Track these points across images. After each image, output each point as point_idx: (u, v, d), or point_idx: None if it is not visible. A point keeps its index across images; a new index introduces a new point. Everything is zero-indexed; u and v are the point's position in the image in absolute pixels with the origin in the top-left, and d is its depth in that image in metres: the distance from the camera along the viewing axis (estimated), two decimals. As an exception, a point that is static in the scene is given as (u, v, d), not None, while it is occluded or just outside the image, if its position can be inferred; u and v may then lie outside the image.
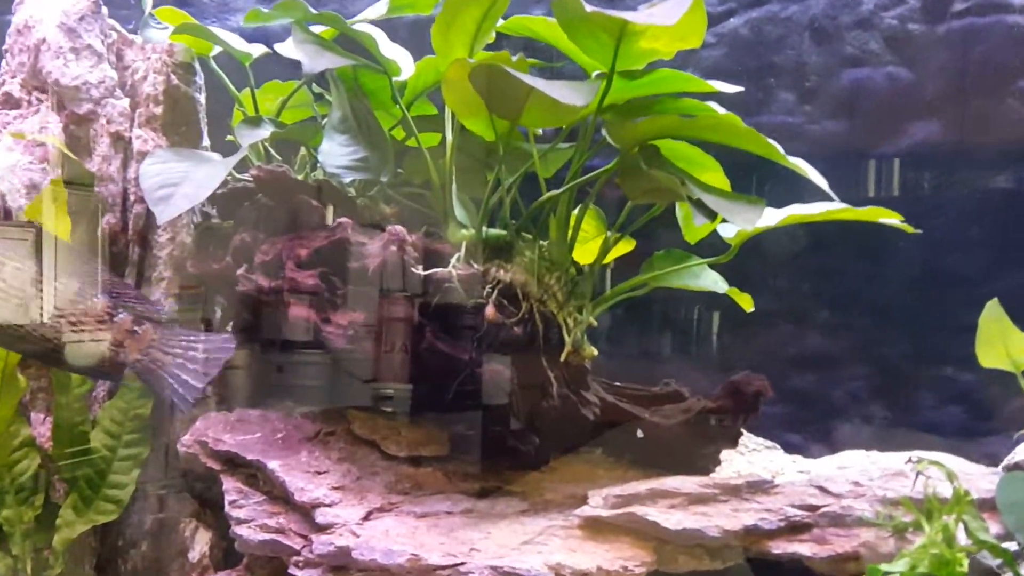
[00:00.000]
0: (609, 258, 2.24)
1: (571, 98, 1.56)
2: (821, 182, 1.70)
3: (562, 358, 1.87)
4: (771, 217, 1.79)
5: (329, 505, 1.90)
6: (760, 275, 2.57)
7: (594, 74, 1.93)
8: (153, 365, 1.94)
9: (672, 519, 1.74)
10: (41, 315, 1.91)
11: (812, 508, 1.77)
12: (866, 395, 2.57)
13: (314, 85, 2.39)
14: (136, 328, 1.95)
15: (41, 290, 1.93)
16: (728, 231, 1.92)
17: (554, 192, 1.90)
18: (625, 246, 2.26)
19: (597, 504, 1.82)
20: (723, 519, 1.75)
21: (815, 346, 2.60)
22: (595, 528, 1.81)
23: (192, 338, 1.99)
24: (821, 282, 2.62)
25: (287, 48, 2.27)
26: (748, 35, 2.72)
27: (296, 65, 2.42)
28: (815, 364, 2.59)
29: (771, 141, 1.63)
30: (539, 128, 2.03)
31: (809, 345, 2.60)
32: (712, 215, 1.60)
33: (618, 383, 2.10)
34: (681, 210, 2.25)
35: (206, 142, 2.32)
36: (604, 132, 1.83)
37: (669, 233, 2.28)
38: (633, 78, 1.84)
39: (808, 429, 2.57)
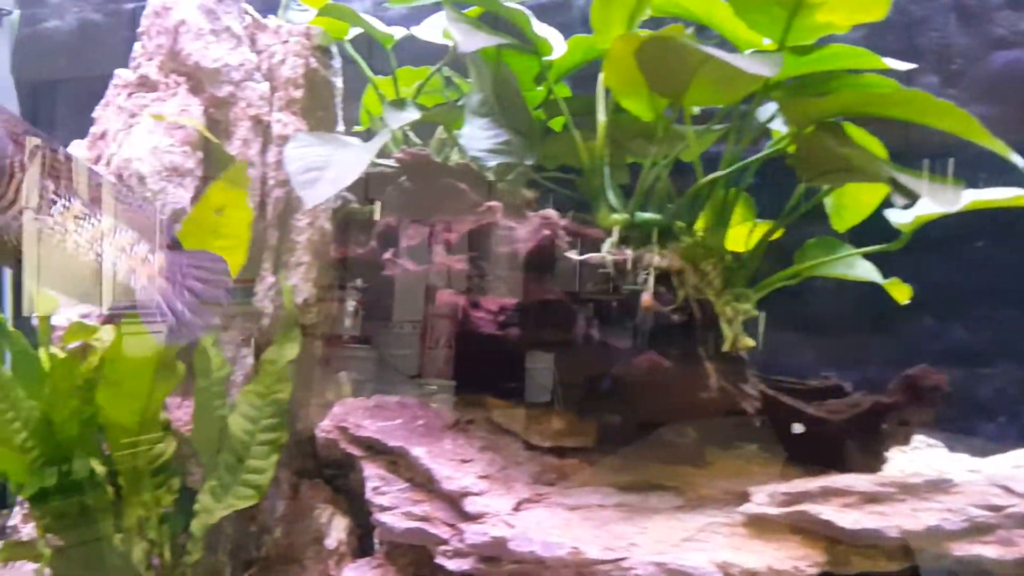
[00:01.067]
0: (751, 245, 2.14)
1: (757, 68, 1.48)
2: (1021, 163, 1.59)
3: (726, 348, 1.78)
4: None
5: (478, 494, 1.85)
6: (905, 265, 2.44)
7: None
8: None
9: (848, 518, 1.64)
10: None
11: (996, 508, 1.64)
12: (1016, 393, 2.43)
13: (444, 69, 2.34)
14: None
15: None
16: (902, 217, 1.81)
17: (716, 174, 1.82)
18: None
19: (762, 501, 1.72)
20: (902, 519, 1.64)
21: (961, 341, 2.46)
22: (760, 526, 1.71)
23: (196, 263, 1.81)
24: (968, 273, 2.48)
25: (424, 31, 2.23)
26: (891, 16, 2.59)
27: (425, 49, 2.41)
28: (960, 360, 2.45)
29: (972, 116, 1.52)
30: (701, 107, 1.94)
31: (954, 340, 2.46)
32: (912, 197, 1.50)
33: (769, 376, 2.00)
34: (832, 197, 2.15)
35: (340, 127, 2.29)
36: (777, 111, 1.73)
37: (810, 221, 2.18)
38: (803, 54, 1.74)
39: (953, 428, 2.43)
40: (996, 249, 2.48)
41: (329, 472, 2.28)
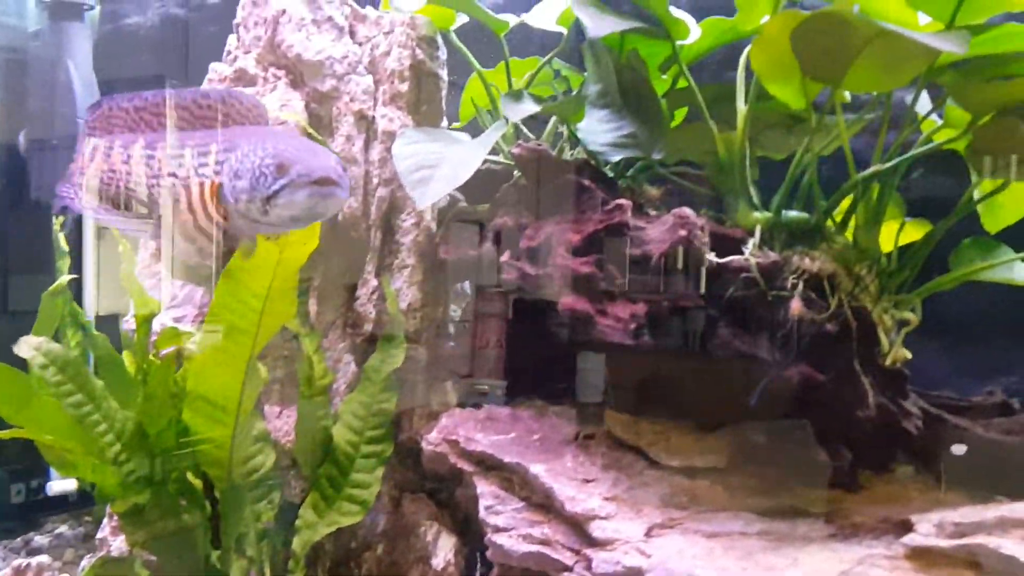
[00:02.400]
0: (900, 245, 1.96)
1: (943, 44, 1.31)
2: None
3: (887, 361, 1.61)
4: None
5: (605, 518, 1.71)
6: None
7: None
8: None
9: (1035, 554, 1.46)
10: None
11: None
12: None
13: (555, 61, 2.21)
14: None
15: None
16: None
17: (876, 168, 1.65)
18: (916, 231, 1.97)
19: (928, 532, 1.55)
20: (1099, 557, 1.46)
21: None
22: (927, 560, 1.54)
23: None
24: None
25: (536, 18, 2.09)
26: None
27: (527, 39, 2.28)
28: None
29: None
30: (863, 92, 1.77)
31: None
32: None
33: (926, 391, 1.82)
34: (982, 190, 1.96)
35: (444, 122, 2.17)
36: (949, 96, 1.56)
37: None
38: (976, 34, 1.56)
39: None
40: None
41: (431, 486, 2.17)
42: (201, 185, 1.51)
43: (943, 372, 2.46)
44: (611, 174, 2.00)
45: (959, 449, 1.74)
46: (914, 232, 1.98)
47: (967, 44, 1.35)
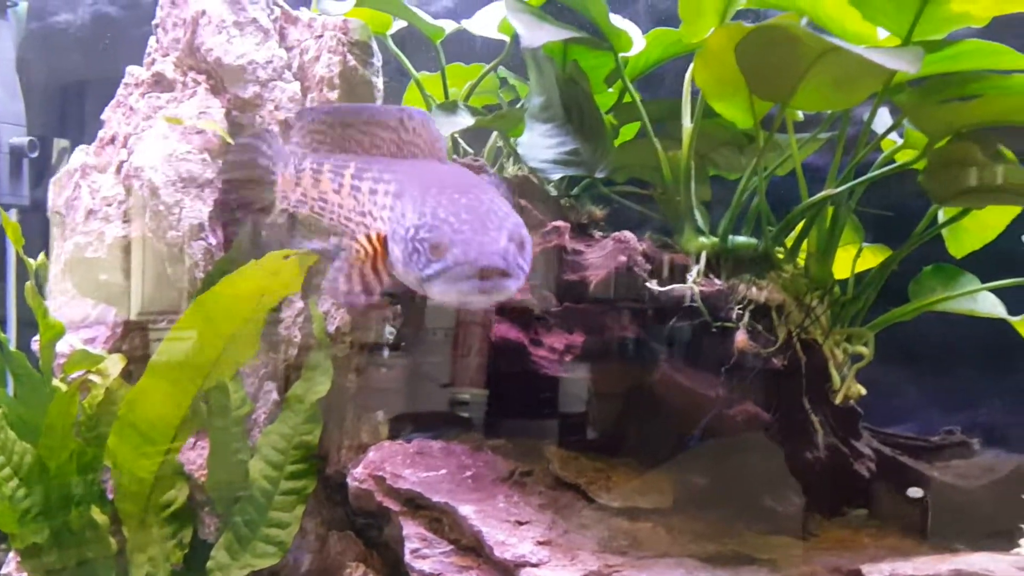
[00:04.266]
0: (856, 272, 1.90)
1: (895, 62, 1.25)
2: None
3: (837, 399, 1.54)
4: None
5: (536, 565, 1.63)
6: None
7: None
8: None
9: (991, 612, 1.40)
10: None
11: None
12: None
13: (500, 68, 2.13)
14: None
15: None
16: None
17: (829, 191, 1.59)
18: (876, 257, 1.92)
19: (879, 584, 1.49)
20: (1056, 614, 1.40)
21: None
22: (877, 614, 1.48)
23: None
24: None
25: (477, 25, 2.02)
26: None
27: (472, 46, 2.21)
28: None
29: None
30: (812, 111, 1.71)
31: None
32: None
33: (881, 429, 1.76)
34: (946, 214, 1.91)
35: (379, 131, 2.08)
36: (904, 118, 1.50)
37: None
38: (934, 50, 1.51)
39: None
40: None
41: (362, 522, 2.07)
42: (368, 236, 1.34)
43: (909, 404, 2.41)
44: (555, 192, 1.93)
45: (915, 493, 1.67)
46: (873, 258, 1.93)
47: (919, 62, 1.29)
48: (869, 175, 1.58)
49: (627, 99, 1.88)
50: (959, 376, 2.36)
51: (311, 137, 1.50)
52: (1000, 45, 1.54)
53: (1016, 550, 1.64)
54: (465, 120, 1.72)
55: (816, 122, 1.80)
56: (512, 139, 1.89)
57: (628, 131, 2.07)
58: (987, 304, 1.83)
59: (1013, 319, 1.81)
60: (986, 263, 1.94)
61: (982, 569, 1.48)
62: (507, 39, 1.98)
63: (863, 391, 1.65)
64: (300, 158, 1.52)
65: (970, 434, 1.90)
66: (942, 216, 1.92)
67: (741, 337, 1.57)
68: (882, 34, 1.64)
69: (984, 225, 1.86)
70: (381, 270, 1.34)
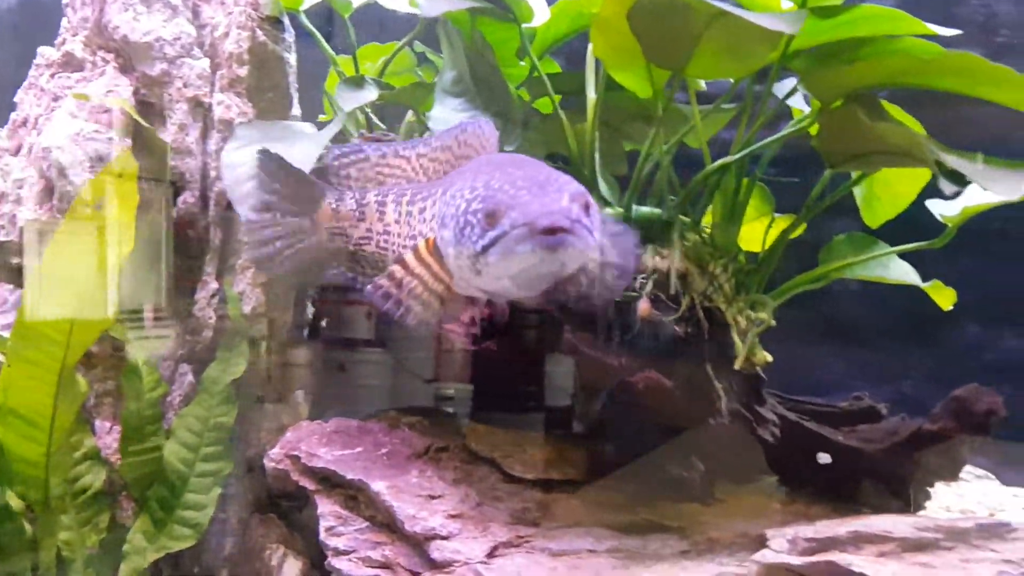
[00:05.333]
0: (767, 243, 1.94)
1: (775, 24, 1.28)
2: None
3: (737, 365, 1.58)
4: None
5: (446, 537, 1.66)
6: (943, 265, 2.24)
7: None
8: None
9: (884, 571, 1.44)
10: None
11: (1065, 559, 1.45)
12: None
13: (417, 44, 2.15)
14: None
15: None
16: (946, 209, 1.61)
17: (725, 160, 1.61)
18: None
19: (781, 548, 1.52)
20: (950, 572, 1.44)
21: (1015, 351, 2.25)
22: (779, 578, 1.52)
23: None
24: (1017, 275, 2.27)
25: (391, -1, 2.03)
26: (927, -20, 2.39)
27: (397, 23, 2.21)
28: (1014, 373, 2.24)
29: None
30: (708, 79, 1.74)
31: (1007, 350, 2.26)
32: (963, 183, 1.30)
33: (791, 396, 1.79)
34: (863, 187, 1.95)
35: (296, 110, 2.09)
36: (798, 84, 1.53)
37: (836, 214, 1.98)
38: (828, 16, 1.54)
39: (1005, 452, 2.22)
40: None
41: (286, 504, 2.09)
42: (416, 247, 1.26)
43: (838, 375, 2.47)
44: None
45: (824, 458, 1.71)
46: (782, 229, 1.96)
47: (799, 24, 1.32)
48: (763, 142, 1.60)
49: (549, 70, 1.90)
50: (886, 348, 2.41)
51: (374, 172, 1.44)
52: (897, 10, 1.57)
53: (921, 512, 1.69)
54: (369, 94, 1.73)
55: (730, 92, 1.82)
56: (423, 114, 1.90)
57: (546, 105, 2.09)
58: (899, 271, 1.86)
59: (924, 284, 1.85)
60: (905, 234, 1.98)
61: (880, 530, 1.52)
62: (419, 12, 1.99)
63: (769, 358, 1.68)
64: (361, 192, 1.42)
65: (896, 405, 1.94)
66: (859, 190, 1.96)
67: (644, 305, 1.60)
68: (786, 4, 1.67)
69: (896, 194, 1.90)
70: (442, 275, 1.25)
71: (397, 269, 1.29)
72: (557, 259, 1.08)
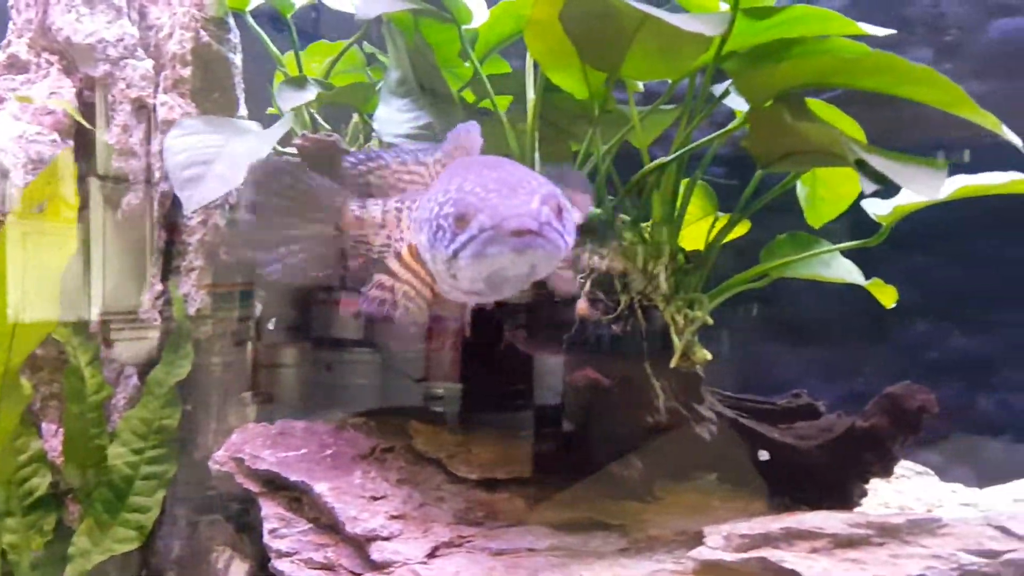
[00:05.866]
0: (706, 240, 1.96)
1: (698, 26, 1.30)
2: (1016, 140, 1.41)
3: (672, 363, 1.60)
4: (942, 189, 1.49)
5: (387, 538, 1.67)
6: (892, 263, 2.27)
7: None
8: None
9: (816, 567, 1.46)
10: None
11: (992, 554, 1.47)
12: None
13: (366, 44, 2.16)
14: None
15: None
16: (880, 208, 1.63)
17: (662, 160, 1.64)
18: (737, 229, 1.98)
19: (717, 544, 1.55)
20: (880, 568, 1.47)
21: (962, 349, 2.29)
22: (715, 574, 1.54)
23: None
24: (969, 272, 2.31)
25: (336, -1, 2.04)
26: (876, -20, 2.43)
27: (346, 23, 2.23)
28: (962, 370, 2.28)
29: (956, 85, 1.35)
30: (643, 80, 1.76)
31: (955, 348, 2.29)
32: (883, 181, 1.32)
33: (733, 394, 1.82)
34: (804, 185, 1.98)
35: (243, 111, 2.10)
36: (730, 85, 1.55)
37: (786, 214, 2.01)
38: (761, 17, 1.56)
39: (949, 448, 2.26)
40: (1000, 245, 2.31)
41: (235, 507, 2.10)
42: (399, 252, 1.28)
43: (793, 373, 2.50)
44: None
45: (763, 455, 1.74)
46: (736, 229, 1.99)
47: (722, 27, 1.34)
48: (696, 143, 1.63)
49: (496, 71, 1.92)
50: (839, 346, 2.45)
51: (395, 179, 1.41)
52: (829, 11, 1.60)
53: (857, 508, 1.72)
54: (308, 94, 1.74)
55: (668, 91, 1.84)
56: (367, 114, 1.91)
57: (500, 104, 2.11)
58: (841, 270, 1.89)
59: (863, 282, 1.88)
60: (852, 232, 2.01)
61: (813, 527, 1.54)
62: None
63: (708, 356, 1.70)
64: (384, 200, 1.40)
65: (848, 403, 1.97)
66: (800, 186, 1.99)
67: (582, 305, 1.62)
68: (725, 6, 1.69)
69: (838, 194, 1.93)
70: (427, 280, 1.27)
71: (385, 277, 1.31)
72: (526, 261, 1.09)
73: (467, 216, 1.09)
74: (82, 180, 1.93)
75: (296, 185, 1.46)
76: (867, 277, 1.98)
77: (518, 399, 1.75)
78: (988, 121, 1.37)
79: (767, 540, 1.53)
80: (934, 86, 1.34)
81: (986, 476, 2.14)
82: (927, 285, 2.35)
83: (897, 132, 1.79)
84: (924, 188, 1.28)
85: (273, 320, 2.02)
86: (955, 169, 1.65)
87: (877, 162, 1.29)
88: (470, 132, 1.37)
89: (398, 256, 1.31)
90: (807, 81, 1.47)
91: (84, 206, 1.93)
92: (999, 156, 1.62)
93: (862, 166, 1.29)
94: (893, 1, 2.41)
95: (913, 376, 2.25)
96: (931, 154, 1.97)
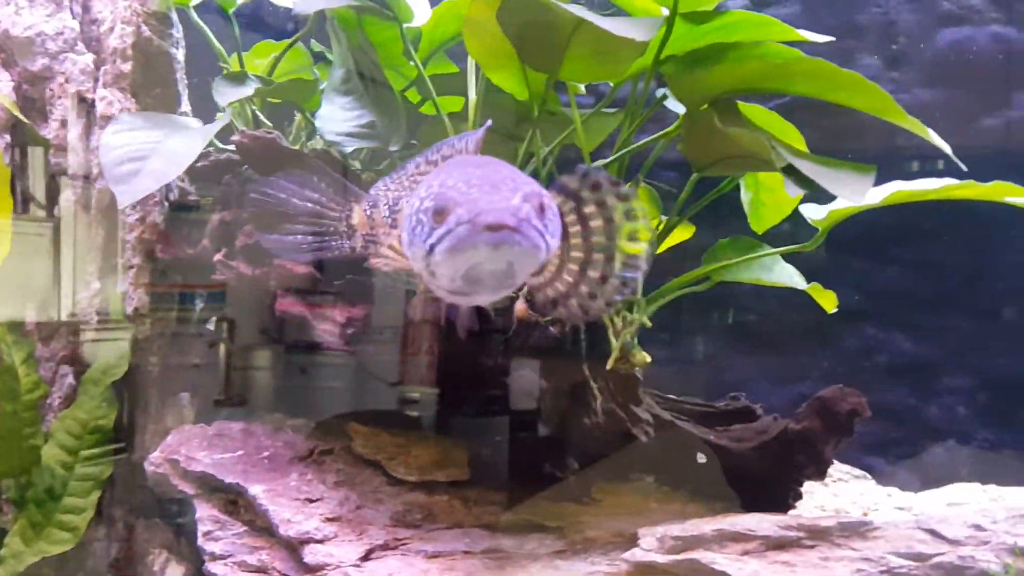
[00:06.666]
0: (663, 248, 1.98)
1: (629, 31, 1.31)
2: (944, 147, 1.44)
3: (608, 366, 1.61)
4: (875, 194, 1.52)
5: (321, 541, 1.67)
6: (841, 269, 2.30)
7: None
8: None
9: (746, 569, 1.48)
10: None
11: (922, 557, 1.50)
12: (967, 413, 2.30)
13: (313, 42, 2.16)
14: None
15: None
16: (815, 213, 1.66)
17: (599, 163, 1.65)
18: (682, 233, 2.00)
19: (651, 546, 1.56)
20: (810, 570, 1.49)
21: (908, 353, 2.32)
22: (648, 576, 1.56)
23: None
24: (912, 276, 2.35)
25: (279, -6, 2.04)
26: (829, -12, 2.46)
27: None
28: (907, 375, 2.31)
29: (884, 92, 1.37)
30: (582, 83, 1.77)
31: (900, 352, 2.33)
32: (810, 186, 1.34)
33: (675, 396, 1.83)
34: (748, 190, 2.00)
35: (186, 107, 2.09)
36: (667, 89, 1.57)
37: (734, 219, 2.03)
38: (700, 22, 1.58)
39: (894, 452, 2.29)
40: (945, 250, 2.35)
41: (175, 509, 2.08)
42: (391, 244, 1.27)
43: (743, 377, 2.52)
44: (359, 166, 1.96)
45: (701, 457, 1.76)
46: (681, 234, 2.01)
47: (652, 31, 1.36)
48: (634, 146, 1.64)
49: (427, 72, 1.92)
50: (789, 350, 2.47)
51: (410, 182, 1.35)
52: (766, 16, 1.62)
53: (792, 511, 1.74)
54: (247, 90, 1.74)
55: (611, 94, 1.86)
56: (309, 112, 1.91)
57: (452, 104, 2.11)
58: (782, 274, 1.91)
59: (802, 285, 1.90)
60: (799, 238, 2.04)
61: (745, 529, 1.56)
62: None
63: (648, 359, 1.71)
64: (394, 199, 1.36)
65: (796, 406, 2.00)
66: (744, 191, 2.01)
67: (520, 307, 1.63)
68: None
69: (780, 200, 1.95)
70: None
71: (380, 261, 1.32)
72: (502, 257, 1.05)
73: (445, 210, 1.06)
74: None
75: (319, 182, 1.44)
76: (827, 283, 2.00)
77: (460, 401, 1.76)
78: (915, 127, 1.40)
79: (699, 542, 1.55)
80: (863, 92, 1.36)
81: (931, 480, 2.17)
82: (878, 289, 2.39)
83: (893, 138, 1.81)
84: (850, 192, 1.30)
85: (213, 321, 2.01)
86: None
87: (806, 167, 1.31)
88: (471, 140, 1.32)
89: (390, 246, 1.31)
90: (739, 86, 1.49)
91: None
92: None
93: (790, 171, 1.31)
94: (844, 9, 2.45)
95: (860, 380, 2.29)
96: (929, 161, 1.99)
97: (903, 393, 2.34)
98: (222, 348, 1.95)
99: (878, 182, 1.56)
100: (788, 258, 1.97)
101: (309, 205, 1.42)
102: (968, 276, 2.31)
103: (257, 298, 1.79)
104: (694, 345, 2.41)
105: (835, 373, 2.39)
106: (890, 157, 1.85)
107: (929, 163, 2.22)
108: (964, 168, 1.46)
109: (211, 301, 1.97)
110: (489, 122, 1.33)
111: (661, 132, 1.62)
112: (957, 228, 2.25)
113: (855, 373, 2.37)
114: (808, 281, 1.99)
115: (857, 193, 1.30)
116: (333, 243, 1.41)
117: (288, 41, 2.07)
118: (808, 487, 1.78)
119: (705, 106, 1.52)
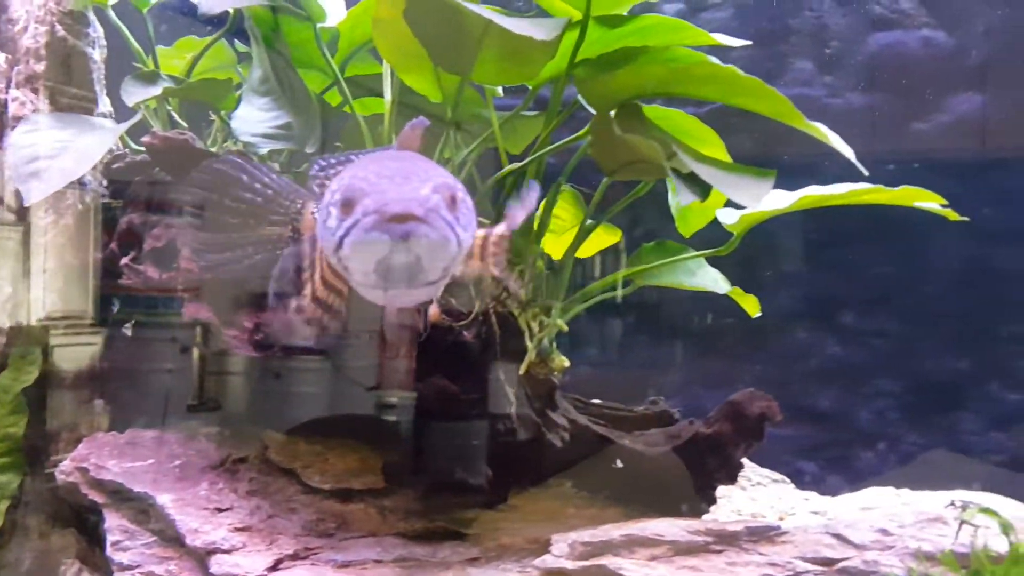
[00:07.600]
0: (591, 251, 1.99)
1: (531, 31, 1.32)
2: (847, 151, 1.45)
3: (522, 370, 1.61)
4: (784, 199, 1.53)
5: (228, 551, 1.65)
6: (768, 273, 2.33)
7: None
8: None
9: (653, 574, 1.49)
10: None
11: (828, 562, 1.52)
12: (896, 416, 2.33)
13: (237, 42, 2.14)
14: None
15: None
16: (729, 217, 1.67)
17: (515, 166, 1.65)
18: (608, 237, 2.00)
19: (561, 552, 1.57)
20: (716, 575, 1.50)
21: (835, 357, 2.35)
22: (558, 583, 1.56)
23: None
24: (842, 281, 2.37)
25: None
26: (762, -7, 2.48)
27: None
28: (835, 379, 2.34)
29: (784, 97, 1.38)
30: (496, 85, 1.77)
31: (828, 356, 2.35)
32: (706, 192, 1.35)
33: (595, 401, 1.84)
34: (674, 195, 2.01)
35: (105, 108, 2.07)
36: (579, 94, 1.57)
37: (667, 222, 2.05)
38: (614, 25, 1.59)
39: (824, 456, 2.32)
40: (875, 254, 2.38)
41: (93, 519, 2.06)
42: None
43: (676, 381, 2.54)
44: (278, 168, 1.95)
45: (618, 462, 1.76)
46: (608, 238, 2.02)
47: (554, 33, 1.36)
48: (548, 148, 1.64)
49: (347, 73, 1.92)
50: (721, 355, 2.49)
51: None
52: (680, 21, 1.63)
53: (705, 515, 1.75)
54: (155, 89, 1.73)
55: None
56: (224, 113, 1.90)
57: (377, 106, 2.11)
58: (706, 278, 1.93)
59: (726, 289, 1.92)
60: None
61: (653, 534, 1.57)
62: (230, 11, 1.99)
63: (567, 363, 1.72)
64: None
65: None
66: (671, 196, 2.02)
67: (434, 310, 1.62)
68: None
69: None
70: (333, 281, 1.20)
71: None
72: (409, 249, 1.02)
73: (352, 201, 1.04)
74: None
75: (260, 186, 1.36)
76: (758, 288, 2.02)
77: (378, 407, 1.75)
78: (816, 132, 1.41)
79: (608, 547, 1.56)
80: (764, 97, 1.38)
81: (861, 483, 2.20)
82: (810, 294, 2.41)
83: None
84: (748, 197, 1.31)
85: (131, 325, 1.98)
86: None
87: (705, 172, 1.32)
88: (414, 128, 1.29)
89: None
90: (643, 90, 1.50)
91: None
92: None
93: (687, 177, 1.32)
94: (777, 13, 2.47)
95: (788, 384, 2.32)
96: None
97: (833, 397, 2.37)
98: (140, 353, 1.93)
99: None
100: (715, 263, 1.98)
101: (259, 198, 1.35)
102: (898, 280, 2.34)
103: (167, 302, 1.77)
104: (629, 349, 2.42)
105: (767, 377, 2.41)
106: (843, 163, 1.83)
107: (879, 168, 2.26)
108: (865, 172, 1.48)
109: (126, 306, 1.95)
110: (424, 120, 1.30)
111: (573, 135, 1.63)
112: (886, 232, 2.28)
113: (785, 377, 2.39)
114: (743, 287, 2.00)
115: (754, 198, 1.31)
116: (278, 249, 1.32)
117: (209, 39, 2.06)
118: (727, 492, 1.80)
119: (613, 109, 1.53)
